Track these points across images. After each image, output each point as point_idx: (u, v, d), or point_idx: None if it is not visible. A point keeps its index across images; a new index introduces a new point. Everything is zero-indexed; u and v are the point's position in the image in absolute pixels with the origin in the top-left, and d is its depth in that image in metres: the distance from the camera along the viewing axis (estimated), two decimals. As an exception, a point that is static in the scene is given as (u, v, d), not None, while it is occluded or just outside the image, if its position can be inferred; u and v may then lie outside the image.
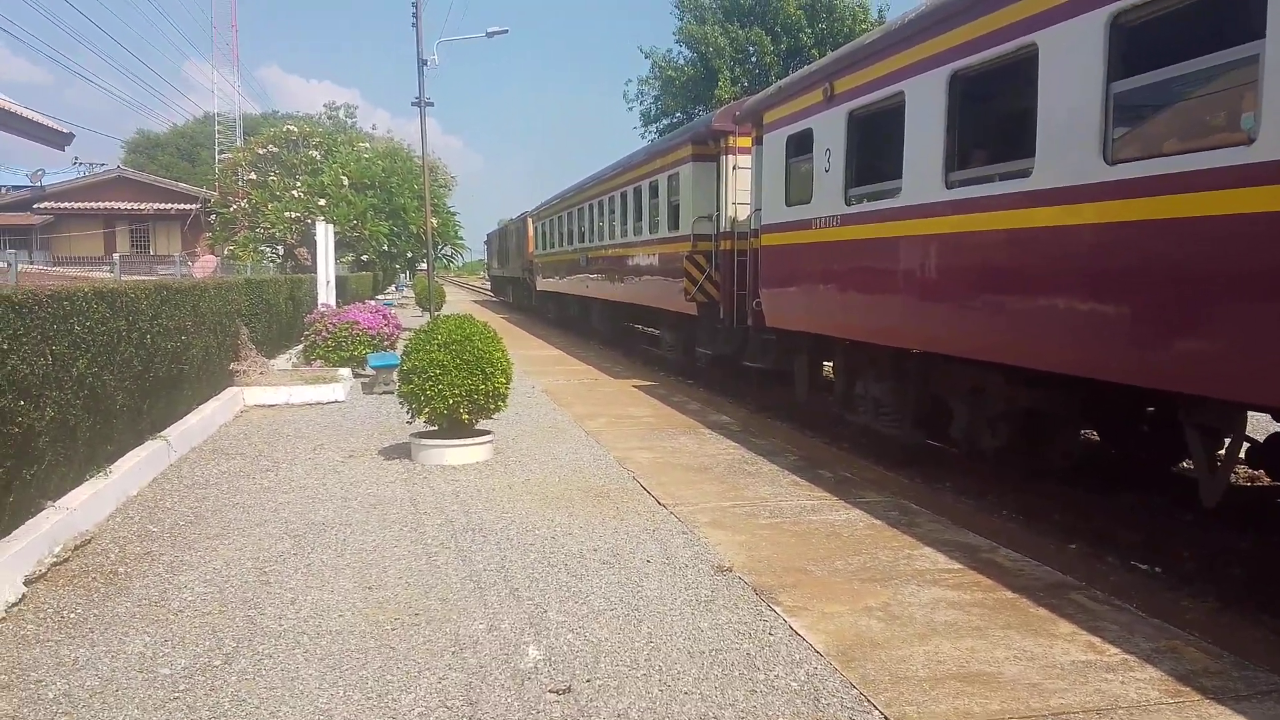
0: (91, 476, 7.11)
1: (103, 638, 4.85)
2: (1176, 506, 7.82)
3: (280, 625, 5.00)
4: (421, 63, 27.28)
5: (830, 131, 9.99)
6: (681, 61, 51.99)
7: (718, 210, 14.62)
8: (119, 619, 5.10)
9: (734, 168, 14.28)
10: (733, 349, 14.41)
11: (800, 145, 10.91)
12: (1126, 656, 4.55)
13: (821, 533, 6.68)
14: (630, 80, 73.97)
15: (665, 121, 53.02)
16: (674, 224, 16.15)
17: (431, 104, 26.80)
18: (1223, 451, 6.51)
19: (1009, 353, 7.26)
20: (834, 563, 6.01)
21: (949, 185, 7.88)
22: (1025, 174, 6.92)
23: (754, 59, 49.09)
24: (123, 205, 43.65)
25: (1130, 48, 5.99)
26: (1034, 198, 6.79)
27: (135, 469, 7.81)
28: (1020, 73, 7.02)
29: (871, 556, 6.13)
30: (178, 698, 4.18)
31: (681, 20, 51.52)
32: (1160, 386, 5.97)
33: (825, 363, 12.03)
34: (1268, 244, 4.97)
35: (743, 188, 13.96)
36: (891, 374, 9.60)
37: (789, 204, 11.25)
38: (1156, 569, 6.69)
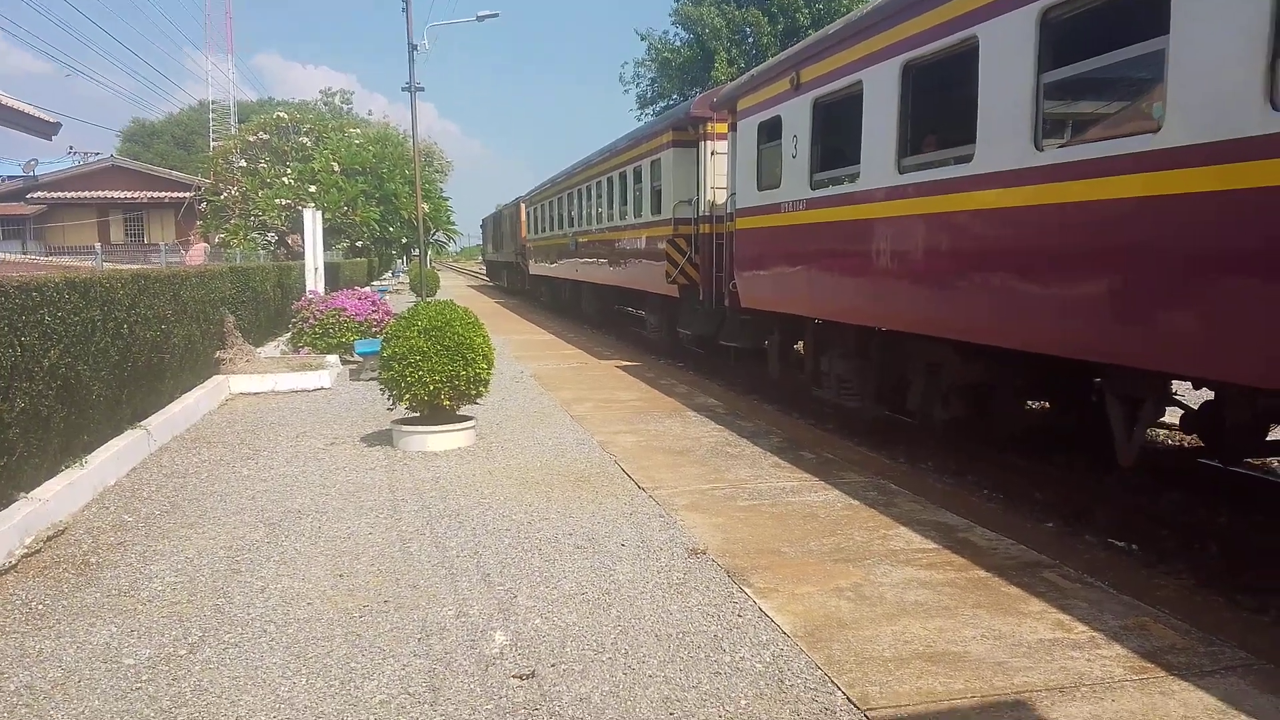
0: (66, 467, 7.09)
1: (69, 629, 4.83)
2: (1160, 485, 7.79)
3: (248, 614, 4.98)
4: (412, 47, 27.17)
5: (797, 119, 10.37)
6: (678, 43, 51.73)
7: (697, 195, 15.00)
8: (87, 609, 5.08)
9: (712, 153, 14.65)
10: (712, 329, 14.72)
11: (771, 132, 11.25)
12: (1094, 634, 4.53)
13: (799, 514, 6.65)
14: (626, 63, 73.49)
15: (662, 104, 52.75)
16: (656, 208, 16.42)
17: (422, 89, 26.74)
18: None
19: (956, 328, 7.64)
20: (808, 544, 5.98)
21: (901, 170, 8.27)
22: (967, 159, 7.26)
23: (751, 40, 48.81)
24: (117, 194, 43.56)
25: (1058, 41, 6.36)
26: (975, 181, 7.16)
27: (113, 459, 7.78)
28: (964, 63, 7.29)
29: (846, 537, 6.11)
30: (140, 688, 4.17)
31: (678, 2, 51.20)
32: (1083, 357, 6.34)
33: (798, 342, 12.31)
34: (1174, 224, 5.37)
35: (720, 173, 14.31)
36: (855, 351, 9.99)
37: (760, 189, 11.59)
38: (1133, 546, 6.68)
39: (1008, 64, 6.72)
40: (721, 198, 14.24)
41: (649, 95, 54.55)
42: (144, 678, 4.27)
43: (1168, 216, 5.42)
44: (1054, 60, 6.36)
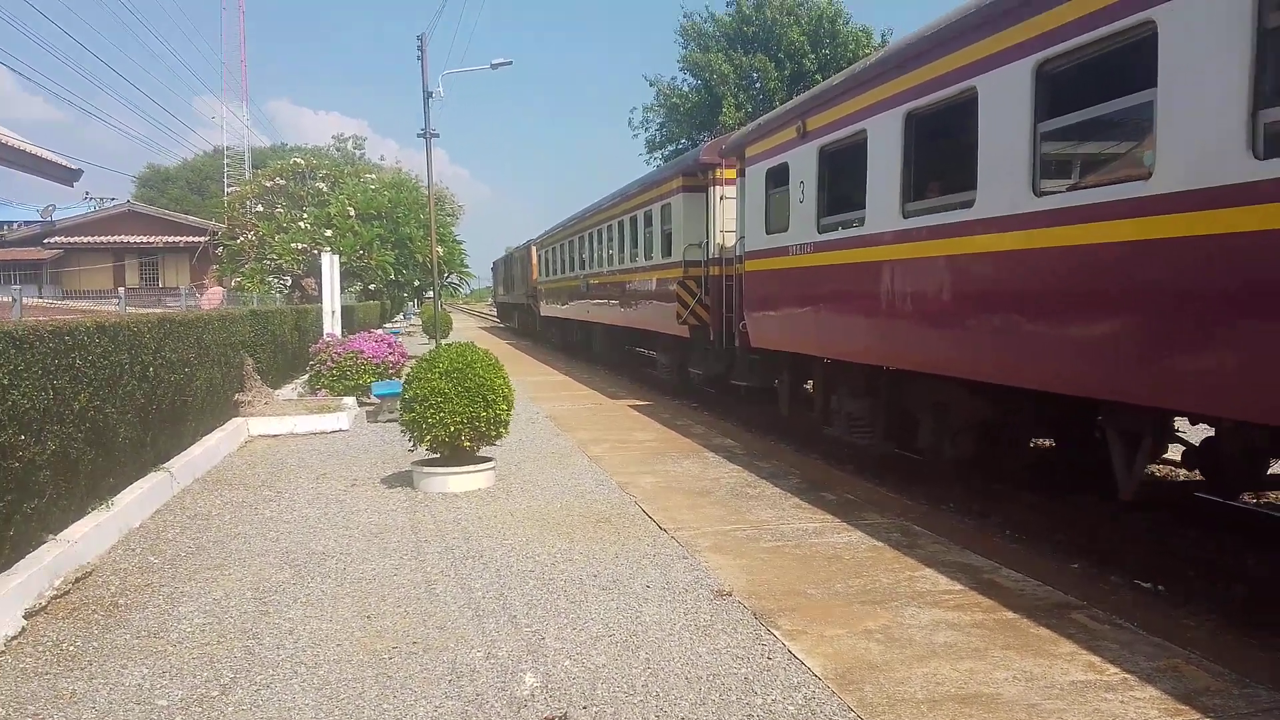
0: (93, 509, 7.14)
1: (101, 670, 4.85)
2: (1180, 524, 7.77)
3: (278, 655, 5.00)
4: (427, 94, 27.52)
5: (804, 165, 10.76)
6: (686, 89, 52.27)
7: (706, 238, 15.47)
8: (118, 650, 5.10)
9: (721, 198, 15.18)
10: (722, 368, 15.13)
11: (778, 178, 11.63)
12: (1126, 676, 4.52)
13: (823, 555, 6.65)
14: (635, 108, 74.14)
15: (670, 148, 53.21)
16: (667, 251, 16.90)
17: (437, 135, 27.06)
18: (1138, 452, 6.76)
19: (961, 367, 7.88)
20: (834, 585, 5.98)
21: (905, 215, 8.56)
22: (969, 204, 7.56)
23: (758, 85, 49.31)
24: (132, 239, 44.08)
25: (1053, 92, 6.65)
26: (976, 226, 7.46)
27: (137, 501, 7.83)
28: (964, 113, 7.60)
29: (872, 579, 6.10)
30: (173, 729, 4.18)
31: (685, 48, 51.86)
32: (1083, 394, 6.58)
33: (806, 381, 12.57)
34: (1164, 267, 5.62)
35: (729, 217, 14.85)
36: (864, 389, 10.19)
37: (769, 232, 11.98)
38: (1159, 588, 6.65)
39: (1006, 114, 7.02)
40: (730, 241, 14.63)
41: (658, 139, 55.03)
42: (177, 719, 4.28)
43: (1159, 259, 5.66)
44: (1050, 110, 6.64)
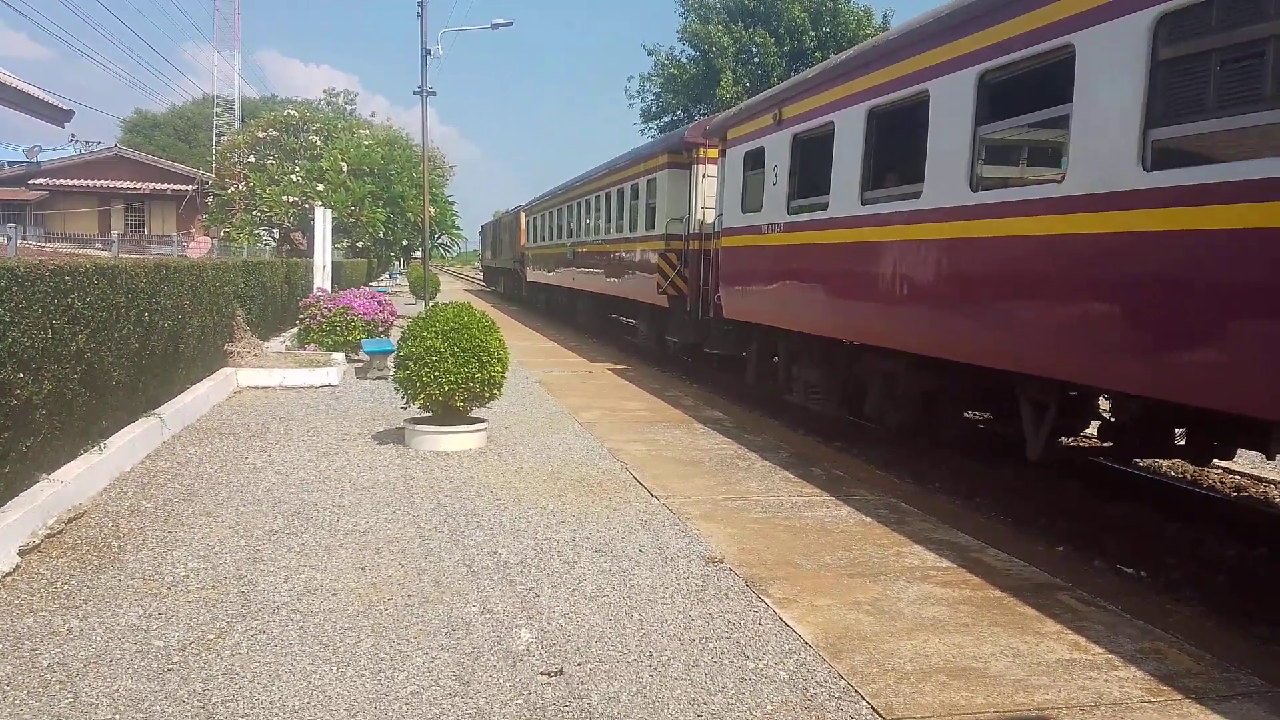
0: (86, 451, 7.12)
1: (96, 609, 4.87)
2: (1164, 515, 7.90)
3: (274, 601, 5.03)
4: (425, 52, 27.26)
5: (779, 151, 11.51)
6: (684, 60, 51.91)
7: (688, 213, 16.18)
8: (112, 591, 5.12)
9: (703, 176, 15.95)
10: (697, 338, 15.99)
11: (755, 161, 12.39)
12: (1110, 656, 4.62)
13: (812, 528, 6.73)
14: (632, 76, 73.78)
15: (666, 119, 52.94)
16: (650, 224, 17.58)
17: (434, 93, 26.83)
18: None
19: (905, 342, 8.72)
20: (824, 557, 6.06)
21: (864, 202, 9.38)
22: (917, 196, 8.35)
23: (757, 60, 49.07)
24: (119, 184, 43.48)
25: (992, 100, 7.48)
26: (922, 215, 8.27)
27: (129, 445, 7.82)
28: (918, 113, 8.38)
29: (861, 552, 6.19)
30: (171, 670, 4.21)
31: (685, 19, 51.47)
32: (1004, 367, 7.36)
33: (774, 351, 13.05)
34: (1071, 259, 6.45)
35: (710, 194, 15.57)
36: (822, 360, 11.04)
37: (744, 211, 12.76)
38: (1142, 573, 6.78)
39: (952, 116, 7.81)
40: (710, 217, 15.30)
41: (654, 110, 54.73)
42: (174, 660, 4.31)
43: (1065, 251, 6.53)
44: (989, 115, 7.47)
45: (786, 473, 8.47)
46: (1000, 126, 7.49)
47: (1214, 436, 7.27)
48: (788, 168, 11.17)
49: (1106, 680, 4.34)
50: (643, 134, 54.51)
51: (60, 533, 6.00)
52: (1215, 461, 10.03)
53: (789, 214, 11.15)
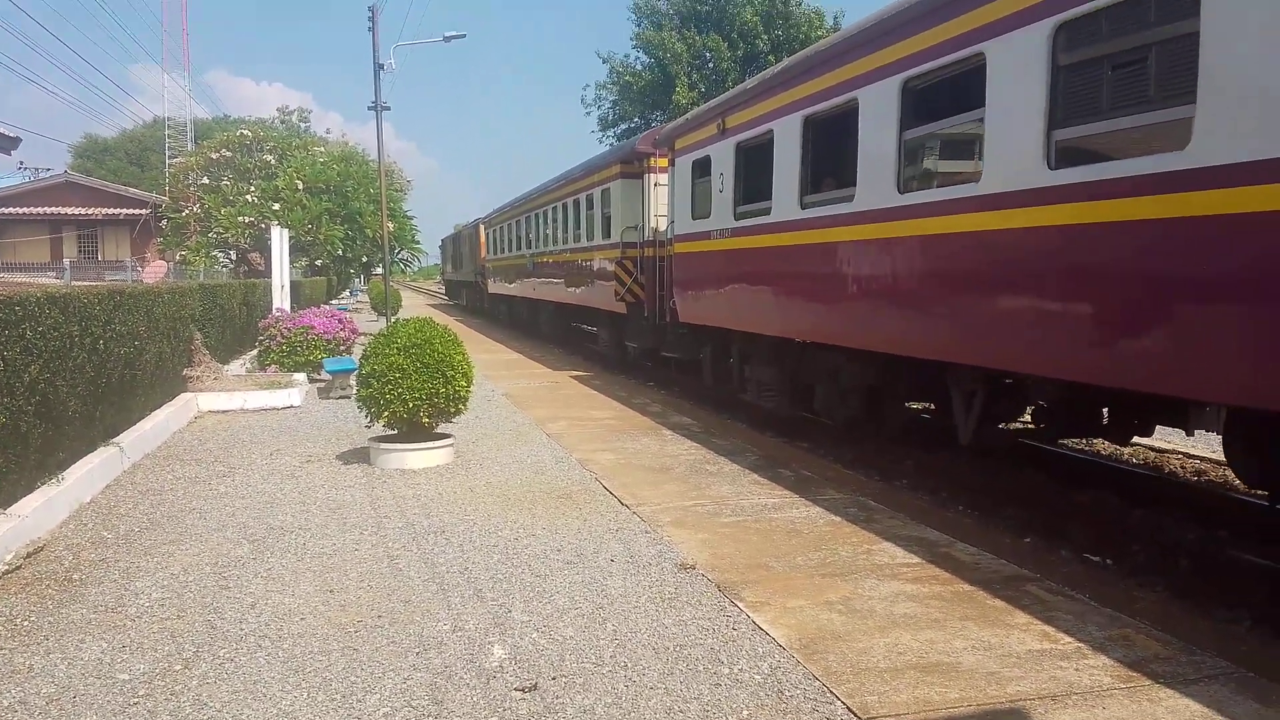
0: (43, 484, 6.98)
1: (58, 644, 4.77)
2: (1127, 502, 8.01)
3: (241, 629, 4.95)
4: (378, 67, 27.11)
5: (724, 159, 11.89)
6: (639, 67, 52.02)
7: (642, 221, 16.55)
8: (74, 625, 5.02)
9: (655, 184, 16.31)
10: (655, 342, 16.33)
11: (703, 169, 12.76)
12: (1080, 644, 4.66)
13: (782, 530, 6.74)
14: (588, 85, 73.87)
15: (623, 126, 53.04)
16: (606, 233, 17.98)
17: (389, 108, 26.68)
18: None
19: (846, 338, 9.11)
20: (795, 559, 6.07)
21: (804, 206, 9.77)
22: (850, 199, 8.77)
23: (711, 65, 49.30)
24: (70, 210, 42.76)
25: (915, 106, 7.85)
26: (855, 217, 8.68)
27: (88, 476, 7.67)
28: (849, 120, 8.74)
29: (832, 552, 6.21)
30: (137, 703, 4.13)
31: (639, 26, 51.62)
32: (935, 358, 7.74)
33: (729, 353, 13.22)
34: (989, 254, 6.93)
35: (662, 202, 15.87)
36: (772, 359, 11.29)
37: (694, 218, 13.14)
38: (1108, 561, 6.86)
39: (879, 122, 8.20)
40: (663, 225, 15.61)
41: (610, 118, 54.80)
42: (140, 693, 4.23)
43: (984, 247, 6.97)
44: (912, 121, 7.87)
45: (755, 475, 8.49)
46: (923, 131, 7.90)
47: (1134, 416, 7.56)
48: (733, 175, 11.57)
49: (1077, 669, 4.39)
50: (600, 142, 54.61)
51: (19, 568, 5.87)
52: (1175, 447, 10.27)
53: (735, 219, 11.51)
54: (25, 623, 5.07)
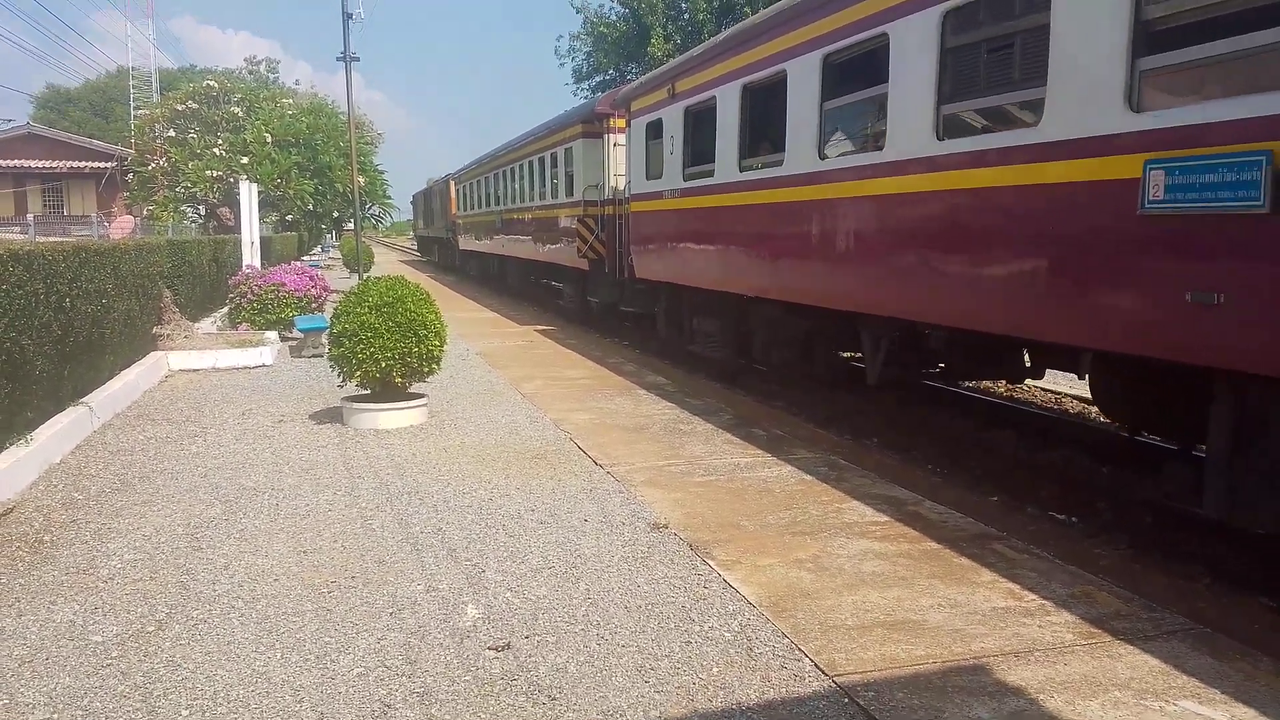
0: (11, 445, 6.92)
1: (30, 607, 4.76)
2: (1093, 460, 8.14)
3: (214, 590, 4.96)
4: (347, 16, 26.59)
5: (674, 122, 12.52)
6: (614, 17, 51.27)
7: (603, 180, 17.06)
8: (46, 588, 5.01)
9: (614, 145, 16.78)
10: (616, 297, 16.91)
11: (655, 131, 13.36)
12: (1044, 602, 4.76)
13: (754, 489, 6.81)
14: (561, 36, 72.86)
15: (598, 79, 52.31)
16: (569, 191, 18.51)
17: (358, 59, 26.23)
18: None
19: (780, 292, 9.84)
20: (766, 518, 6.14)
21: (742, 169, 10.47)
22: (780, 163, 9.51)
23: (687, 16, 48.63)
24: (34, 164, 41.86)
25: (834, 79, 8.55)
26: (783, 180, 9.43)
27: (57, 436, 7.61)
28: (780, 89, 9.40)
29: (802, 511, 6.28)
30: (110, 664, 4.14)
31: (613, -26, 50.72)
32: (851, 309, 8.57)
33: (680, 307, 13.81)
34: (889, 214, 7.71)
35: (621, 162, 16.40)
36: (716, 312, 12.05)
37: (648, 178, 13.72)
38: (1072, 519, 6.99)
39: (804, 93, 8.89)
40: (622, 184, 16.10)
41: (585, 70, 54.02)
42: (114, 654, 4.24)
43: (887, 209, 7.72)
44: (831, 93, 8.59)
45: (729, 435, 8.55)
46: (840, 102, 8.60)
47: (1017, 359, 8.31)
48: (681, 138, 12.17)
49: (1040, 626, 4.48)
50: (575, 95, 53.87)
51: (-12, 530, 5.84)
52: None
53: (684, 180, 12.13)
54: (-4, 585, 5.05)
